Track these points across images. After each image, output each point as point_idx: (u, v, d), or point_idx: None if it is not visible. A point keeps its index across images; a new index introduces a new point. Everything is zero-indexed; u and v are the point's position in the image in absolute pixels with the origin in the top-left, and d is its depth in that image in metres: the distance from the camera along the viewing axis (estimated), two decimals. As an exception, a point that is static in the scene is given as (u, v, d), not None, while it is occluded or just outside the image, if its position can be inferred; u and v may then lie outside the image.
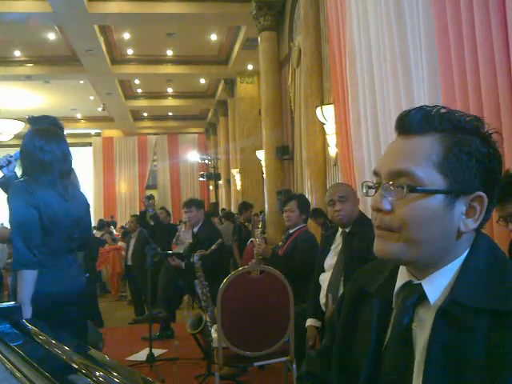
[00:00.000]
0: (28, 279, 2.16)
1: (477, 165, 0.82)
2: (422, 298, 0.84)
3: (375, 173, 0.89)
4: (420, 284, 0.85)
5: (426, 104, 0.91)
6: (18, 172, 2.43)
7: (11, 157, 2.48)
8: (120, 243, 9.41)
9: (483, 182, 0.83)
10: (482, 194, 0.82)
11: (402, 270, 0.91)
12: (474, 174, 0.82)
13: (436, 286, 0.83)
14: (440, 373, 0.78)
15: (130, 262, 6.94)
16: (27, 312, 2.13)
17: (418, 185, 0.81)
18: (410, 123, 0.85)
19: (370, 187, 0.90)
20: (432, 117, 0.85)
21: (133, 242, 6.96)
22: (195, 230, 4.95)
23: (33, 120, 2.48)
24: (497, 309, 0.76)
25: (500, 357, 0.73)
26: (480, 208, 0.83)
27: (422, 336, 0.83)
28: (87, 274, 5.79)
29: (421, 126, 0.85)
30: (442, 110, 0.86)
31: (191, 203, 4.94)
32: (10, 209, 2.22)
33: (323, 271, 2.98)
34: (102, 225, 11.13)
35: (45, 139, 2.31)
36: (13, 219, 2.20)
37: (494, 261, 0.83)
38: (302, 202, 3.87)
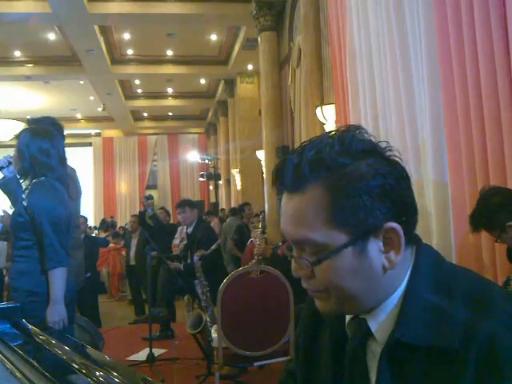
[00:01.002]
0: (62, 277, 2.18)
1: (369, 199, 0.73)
2: (370, 333, 0.81)
3: (283, 232, 0.83)
4: (365, 319, 0.82)
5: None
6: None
7: (11, 158, 2.48)
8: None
9: (388, 210, 0.75)
10: (390, 224, 0.75)
11: None
12: (371, 210, 0.74)
13: (381, 322, 0.80)
14: None
15: (133, 262, 6.91)
16: (62, 310, 2.15)
17: (321, 250, 0.76)
18: (284, 183, 0.78)
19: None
20: (301, 169, 0.76)
21: (135, 241, 6.93)
22: (189, 230, 4.95)
23: (32, 122, 2.48)
24: (438, 345, 0.72)
25: None
26: (397, 238, 0.76)
27: (374, 370, 0.80)
28: (88, 274, 5.81)
29: (296, 185, 0.77)
30: (309, 155, 0.76)
31: (184, 203, 4.96)
32: (37, 208, 2.20)
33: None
34: (107, 225, 11.15)
35: (49, 142, 2.31)
36: (45, 218, 2.18)
37: (438, 283, 0.77)
38: None
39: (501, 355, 0.68)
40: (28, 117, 2.58)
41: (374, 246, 0.76)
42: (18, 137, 2.37)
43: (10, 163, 2.46)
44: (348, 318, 0.86)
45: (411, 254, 0.80)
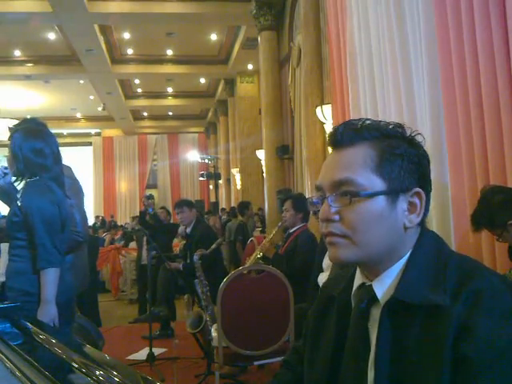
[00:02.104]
0: (54, 277, 2.16)
1: (409, 165, 0.88)
2: (374, 298, 0.89)
3: (318, 187, 0.94)
4: (371, 285, 0.90)
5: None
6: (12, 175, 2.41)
7: (6, 168, 2.45)
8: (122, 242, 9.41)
9: (418, 179, 0.89)
10: (419, 189, 0.89)
11: (357, 272, 0.96)
12: (409, 172, 0.88)
13: (384, 286, 0.89)
14: (387, 369, 0.83)
15: (145, 261, 6.82)
16: (53, 310, 2.14)
17: (359, 190, 0.86)
18: (342, 137, 0.91)
19: (314, 203, 0.95)
20: (360, 128, 0.91)
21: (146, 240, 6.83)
22: (188, 230, 4.95)
23: (15, 126, 2.44)
24: (431, 304, 0.81)
25: (428, 349, 0.79)
26: (420, 202, 0.89)
27: (374, 333, 0.87)
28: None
29: (352, 138, 0.90)
30: (367, 122, 0.92)
31: (182, 203, 4.96)
32: (30, 208, 2.19)
33: (322, 271, 2.98)
34: (109, 226, 11.13)
35: (42, 141, 2.29)
36: (37, 218, 2.17)
37: (438, 256, 0.88)
38: (297, 201, 3.88)
39: (483, 306, 0.77)
40: (28, 116, 2.57)
41: (401, 205, 0.88)
42: (10, 138, 2.34)
43: (5, 174, 2.44)
44: (355, 287, 0.95)
45: (417, 231, 0.91)
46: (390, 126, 0.92)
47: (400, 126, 0.92)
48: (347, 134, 0.91)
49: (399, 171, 0.87)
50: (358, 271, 0.97)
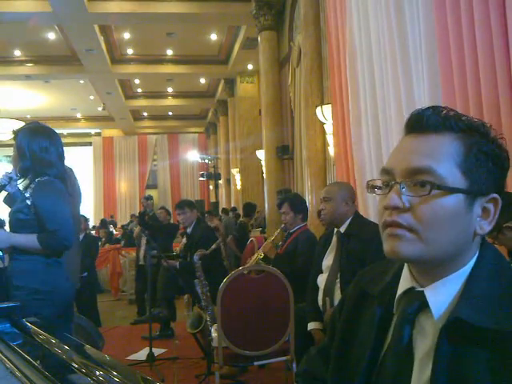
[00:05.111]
0: (33, 246, 2.18)
1: (493, 167, 0.81)
2: (424, 306, 0.82)
3: (386, 171, 0.85)
4: (422, 292, 0.82)
5: (426, 103, 0.90)
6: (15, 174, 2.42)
7: (10, 173, 2.46)
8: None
9: (498, 184, 0.82)
10: (496, 196, 0.82)
11: (405, 274, 0.88)
12: (491, 175, 0.81)
13: (439, 297, 0.81)
14: None
15: (142, 262, 6.81)
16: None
17: (439, 183, 0.79)
18: (428, 121, 0.83)
19: (376, 187, 0.87)
20: (448, 116, 0.83)
21: (144, 241, 6.82)
22: (189, 230, 4.96)
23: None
24: (501, 329, 0.74)
25: (504, 377, 0.72)
26: (494, 210, 0.82)
27: (422, 344, 0.81)
28: (85, 273, 5.79)
29: (439, 125, 0.83)
30: (452, 112, 0.85)
31: (183, 204, 4.96)
32: (43, 205, 2.21)
33: (321, 272, 2.97)
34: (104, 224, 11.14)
35: (48, 139, 2.32)
36: (50, 215, 2.21)
37: (502, 273, 0.81)
38: (295, 202, 3.86)
39: None
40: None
41: (476, 209, 0.81)
42: (15, 137, 2.35)
43: (11, 179, 2.44)
44: (400, 290, 0.88)
45: (479, 241, 0.84)
46: (475, 123, 0.84)
47: (484, 124, 0.85)
48: (434, 119, 0.83)
49: (482, 172, 0.80)
50: (404, 273, 0.89)
